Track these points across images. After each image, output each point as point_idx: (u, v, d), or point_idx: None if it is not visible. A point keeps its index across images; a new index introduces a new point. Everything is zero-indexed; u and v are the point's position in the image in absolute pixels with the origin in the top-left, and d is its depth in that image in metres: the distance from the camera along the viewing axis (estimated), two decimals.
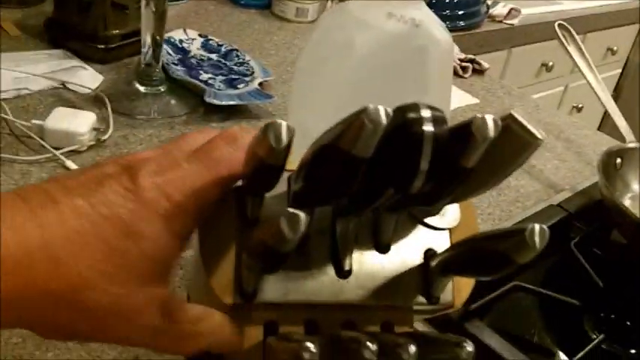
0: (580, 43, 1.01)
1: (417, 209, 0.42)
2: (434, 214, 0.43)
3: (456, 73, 1.21)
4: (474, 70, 1.23)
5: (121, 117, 0.87)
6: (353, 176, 0.31)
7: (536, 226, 0.31)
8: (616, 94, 2.41)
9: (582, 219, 0.85)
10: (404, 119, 0.29)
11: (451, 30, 1.40)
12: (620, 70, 2.39)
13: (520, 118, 0.32)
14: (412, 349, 0.33)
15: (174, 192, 0.32)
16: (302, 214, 0.27)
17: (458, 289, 0.42)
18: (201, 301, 0.48)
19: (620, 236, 0.82)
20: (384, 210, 0.40)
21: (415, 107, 0.29)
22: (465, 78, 1.21)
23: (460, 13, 1.47)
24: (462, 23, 1.47)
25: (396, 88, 0.67)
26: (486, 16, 1.59)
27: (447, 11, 1.45)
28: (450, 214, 0.43)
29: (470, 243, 0.37)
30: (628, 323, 0.69)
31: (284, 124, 0.28)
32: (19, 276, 0.27)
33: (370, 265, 0.41)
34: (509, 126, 0.32)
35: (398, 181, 0.31)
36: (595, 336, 0.66)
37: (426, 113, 0.29)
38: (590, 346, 0.63)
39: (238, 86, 0.95)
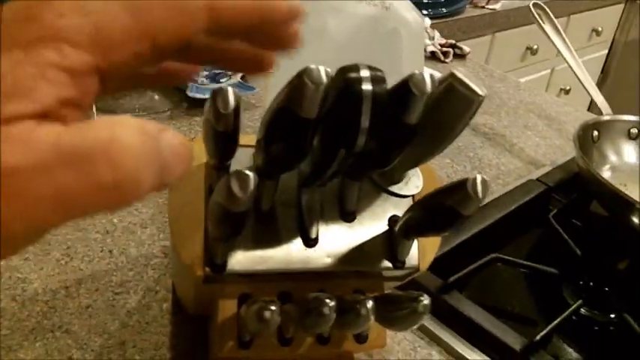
0: (555, 21, 1.02)
1: (380, 178, 0.44)
2: (397, 182, 0.45)
3: (437, 58, 1.22)
4: (456, 55, 1.25)
5: (105, 115, 0.88)
6: (305, 137, 0.32)
7: (477, 177, 0.33)
8: (603, 75, 2.42)
9: (561, 192, 0.87)
10: (344, 79, 0.31)
11: (433, 17, 1.43)
12: (606, 51, 2.41)
13: (461, 76, 0.34)
14: (369, 304, 0.35)
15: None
16: (250, 173, 0.29)
17: (423, 253, 0.44)
18: (181, 281, 0.50)
19: (599, 207, 0.83)
20: (346, 178, 0.42)
21: (355, 68, 0.31)
22: (447, 63, 1.23)
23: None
24: (444, 10, 1.49)
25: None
26: (468, 2, 1.61)
27: None
28: (413, 181, 0.45)
29: (422, 202, 0.38)
30: (606, 289, 0.71)
31: (230, 89, 0.30)
32: None
33: (336, 233, 0.43)
34: (452, 84, 0.34)
35: (344, 140, 0.33)
36: (574, 303, 0.68)
37: (365, 73, 0.31)
38: (568, 311, 0.64)
39: (221, 80, 0.97)
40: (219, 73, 1.00)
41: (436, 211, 0.37)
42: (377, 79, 0.31)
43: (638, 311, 0.66)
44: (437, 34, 1.26)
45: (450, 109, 0.35)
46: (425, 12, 1.44)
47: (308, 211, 0.41)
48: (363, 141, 0.32)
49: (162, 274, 0.63)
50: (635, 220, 0.74)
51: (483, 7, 1.65)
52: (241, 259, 0.40)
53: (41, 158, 0.20)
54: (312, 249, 0.42)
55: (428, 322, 0.62)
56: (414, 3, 1.44)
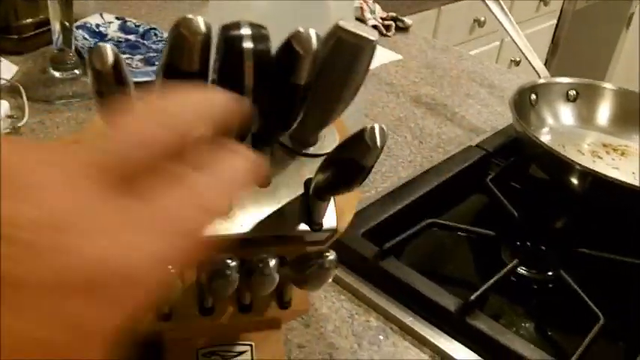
0: None
1: (294, 142, 0.44)
2: (312, 144, 0.44)
3: (379, 32, 1.22)
4: (398, 29, 1.25)
5: (38, 104, 0.87)
6: None
7: (375, 125, 0.32)
8: (554, 45, 2.45)
9: (501, 157, 0.87)
10: (225, 38, 0.30)
11: None
12: (555, 21, 2.43)
13: (348, 26, 0.33)
14: (272, 262, 0.35)
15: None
16: (108, 45, 0.28)
17: (340, 214, 0.44)
18: None
19: (538, 170, 0.84)
20: (256, 143, 0.41)
21: (236, 25, 0.30)
22: (389, 36, 1.23)
23: None
24: None
25: (299, 21, 0.69)
26: None
27: None
28: (328, 140, 0.44)
29: (327, 160, 0.38)
30: (543, 248, 0.71)
31: (108, 45, 0.29)
32: None
33: (251, 200, 0.42)
34: (340, 37, 0.33)
35: None
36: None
37: (246, 30, 0.30)
38: (504, 271, 0.64)
39: (156, 63, 0.95)
40: (155, 55, 0.98)
41: (339, 166, 0.36)
42: (259, 37, 0.30)
43: (575, 268, 0.67)
44: (378, 8, 1.25)
45: (343, 61, 0.35)
46: None
47: None
48: (249, 100, 0.32)
49: None
50: (573, 180, 0.75)
51: None
52: None
53: None
54: (226, 216, 0.41)
55: (365, 289, 0.62)
56: None
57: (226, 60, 0.30)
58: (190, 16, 0.28)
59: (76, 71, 0.90)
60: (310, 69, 0.32)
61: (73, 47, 0.90)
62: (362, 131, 0.33)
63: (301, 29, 0.31)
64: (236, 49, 0.30)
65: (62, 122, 0.83)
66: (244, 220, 0.42)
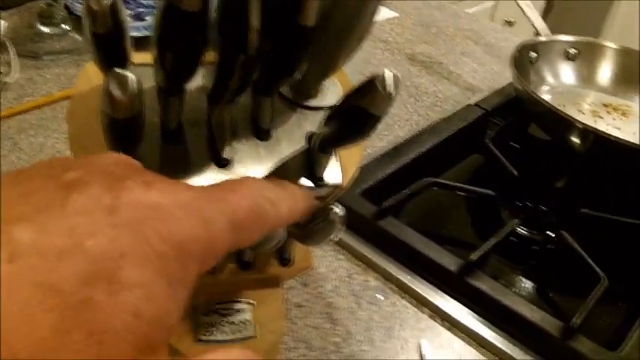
0: None
1: (295, 94, 0.42)
2: (314, 97, 0.42)
3: None
4: None
5: (26, 60, 0.84)
6: (194, 35, 0.30)
7: (386, 72, 0.30)
8: (548, 3, 2.42)
9: (500, 116, 0.86)
10: None
11: None
12: None
13: None
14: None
15: (176, 221, 0.22)
16: (130, 73, 0.26)
17: (344, 169, 0.42)
18: None
19: (537, 130, 0.83)
20: (256, 94, 0.39)
21: None
22: None
23: None
24: None
25: None
26: None
27: None
28: (330, 92, 0.43)
29: (334, 110, 0.36)
30: (543, 208, 0.70)
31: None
32: None
33: (251, 153, 0.40)
34: None
35: (237, 41, 0.30)
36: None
37: None
38: (504, 231, 0.63)
39: (145, 18, 0.92)
40: (144, 11, 0.95)
41: (347, 116, 0.34)
42: None
43: (575, 228, 0.66)
44: None
45: (350, 5, 0.33)
46: None
47: (218, 129, 0.39)
48: (255, 42, 0.30)
49: None
50: (574, 138, 0.74)
51: None
52: None
53: None
54: (226, 170, 0.40)
55: (364, 248, 0.61)
56: None
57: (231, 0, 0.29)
58: None
59: (65, 26, 0.88)
60: (318, 9, 0.30)
61: (62, 2, 0.87)
62: (373, 78, 0.31)
63: None
64: None
65: (51, 78, 0.81)
66: (243, 173, 0.40)
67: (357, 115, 0.33)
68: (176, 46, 0.31)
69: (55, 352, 0.18)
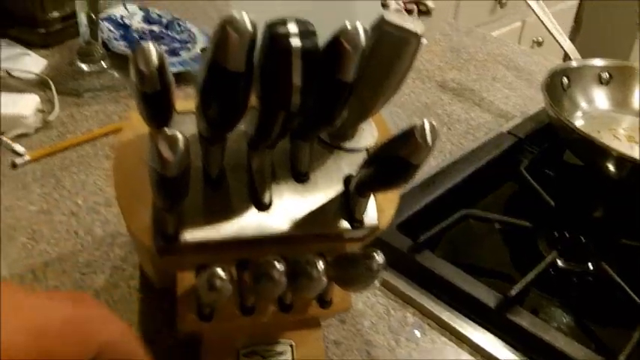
0: None
1: (332, 136, 0.43)
2: (350, 138, 0.43)
3: None
4: (420, 12, 1.23)
5: (67, 97, 0.86)
6: (237, 92, 0.31)
7: (425, 123, 0.31)
8: (576, 25, 2.40)
9: (533, 143, 0.85)
10: (271, 35, 0.29)
11: None
12: (577, 1, 2.39)
13: (393, 19, 0.32)
14: (320, 265, 0.34)
15: None
16: (179, 133, 0.27)
17: (381, 210, 0.43)
18: (142, 256, 0.48)
19: (572, 156, 0.82)
20: (295, 139, 0.40)
21: (282, 22, 0.29)
22: None
23: None
24: None
25: (324, 17, 0.67)
26: None
27: None
28: (366, 134, 0.43)
29: (373, 156, 0.37)
30: (582, 238, 0.70)
31: (151, 45, 0.28)
32: None
33: (290, 196, 0.41)
34: (384, 30, 0.32)
35: (279, 100, 0.31)
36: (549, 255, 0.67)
37: (292, 27, 0.29)
38: (543, 264, 0.63)
39: (180, 53, 0.94)
40: (179, 46, 0.97)
41: (386, 164, 0.35)
42: (306, 34, 0.29)
43: (615, 259, 0.65)
44: None
45: (387, 55, 0.34)
46: None
47: (258, 174, 0.40)
48: (297, 100, 0.30)
49: (129, 251, 0.62)
50: (610, 166, 0.74)
51: None
52: (193, 229, 0.39)
53: None
54: (266, 214, 0.40)
55: (400, 283, 0.61)
56: None
57: (273, 58, 0.29)
58: (236, 14, 0.27)
59: (103, 64, 0.90)
60: (358, 66, 0.30)
61: (100, 40, 0.89)
62: (412, 128, 0.31)
63: (349, 25, 0.30)
64: (284, 47, 0.29)
65: (91, 115, 0.83)
66: (285, 216, 0.41)
67: (396, 164, 0.34)
68: (219, 101, 0.32)
69: None
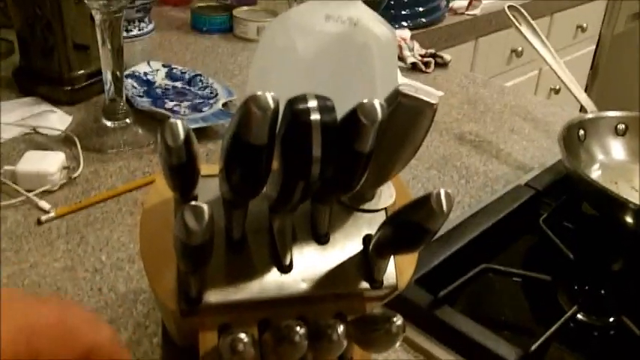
0: (532, 22, 1.02)
1: (351, 197, 0.44)
2: (368, 199, 0.44)
3: (418, 69, 1.22)
4: (437, 64, 1.25)
5: (91, 153, 0.89)
6: (259, 164, 0.32)
7: (441, 191, 0.32)
8: (593, 71, 2.42)
9: (551, 195, 0.86)
10: (292, 111, 0.31)
11: (413, 28, 1.44)
12: (594, 47, 2.41)
13: (408, 91, 0.33)
14: (340, 329, 0.34)
15: None
16: (205, 205, 0.29)
17: (400, 271, 0.44)
18: (165, 315, 0.49)
19: (591, 208, 0.83)
20: (315, 203, 0.41)
21: (303, 98, 0.31)
22: (429, 73, 1.23)
23: (420, 10, 1.49)
24: (423, 20, 1.49)
25: (344, 87, 0.69)
26: (447, 9, 1.61)
27: (407, 10, 1.47)
28: (385, 195, 0.44)
29: (390, 220, 0.38)
30: (602, 292, 0.70)
31: (179, 121, 0.30)
32: None
33: (311, 257, 0.42)
34: (400, 102, 0.34)
35: (299, 171, 0.32)
36: (570, 309, 0.67)
37: (312, 103, 0.30)
38: (563, 318, 0.63)
39: (203, 109, 0.97)
40: (201, 102, 1.00)
41: (403, 229, 0.36)
42: (325, 109, 0.31)
43: (637, 313, 0.65)
44: (416, 45, 1.26)
45: (403, 124, 0.35)
46: (404, 23, 1.44)
47: (280, 237, 0.41)
48: (317, 171, 0.32)
49: (152, 308, 0.63)
50: (628, 219, 0.74)
51: (463, 14, 1.65)
52: (216, 291, 0.40)
53: None
54: (287, 275, 0.41)
55: (420, 338, 0.61)
56: (394, 15, 1.45)
57: (294, 132, 0.31)
58: (259, 93, 0.28)
59: (127, 120, 0.92)
60: (374, 138, 0.32)
61: (124, 96, 0.92)
62: (428, 196, 0.33)
63: (366, 100, 0.31)
64: (304, 121, 0.30)
65: (115, 171, 0.85)
66: (304, 276, 0.42)
67: (412, 229, 0.34)
68: (242, 170, 0.33)
69: None
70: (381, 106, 0.31)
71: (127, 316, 0.62)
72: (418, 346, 0.61)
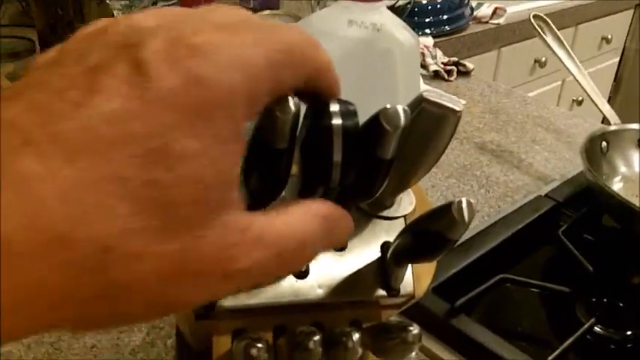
0: (557, 31, 1.01)
1: (371, 204, 0.44)
2: (387, 206, 0.44)
3: (441, 77, 1.22)
4: (460, 73, 1.24)
5: None
6: (279, 167, 0.32)
7: (463, 200, 0.32)
8: (617, 83, 2.40)
9: (571, 207, 0.85)
10: (314, 112, 0.30)
11: (437, 35, 1.43)
12: (618, 59, 2.39)
13: (432, 97, 0.33)
14: (356, 336, 0.34)
15: (210, 69, 0.21)
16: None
17: (418, 279, 0.43)
18: (179, 318, 0.49)
19: (611, 220, 0.82)
20: None
21: (325, 102, 0.30)
22: (451, 81, 1.22)
23: (444, 17, 1.48)
24: (447, 28, 1.48)
25: (366, 92, 0.68)
26: (471, 18, 1.60)
27: (431, 17, 1.46)
28: (404, 202, 0.44)
29: (409, 228, 0.37)
30: (620, 305, 0.69)
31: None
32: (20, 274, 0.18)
33: (327, 263, 0.42)
34: (424, 108, 0.33)
35: (319, 176, 0.32)
36: (587, 321, 0.66)
37: (334, 107, 0.30)
38: (581, 331, 0.62)
39: None
40: None
41: (423, 237, 0.36)
42: (347, 113, 0.30)
43: None
44: (439, 53, 1.25)
45: (426, 131, 0.34)
46: (428, 31, 1.44)
47: None
48: (337, 176, 0.31)
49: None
50: None
51: (487, 23, 1.64)
52: (231, 295, 0.40)
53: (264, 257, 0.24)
54: (303, 281, 0.41)
55: (437, 347, 0.61)
56: (417, 22, 1.44)
57: (315, 136, 0.30)
58: (389, 106, 0.28)
59: None
60: (397, 144, 0.31)
61: None
62: (449, 205, 0.32)
63: (389, 105, 0.30)
64: (325, 125, 0.30)
65: None
66: (320, 283, 0.42)
67: (432, 238, 0.34)
68: (261, 175, 0.33)
69: (137, 234, 0.19)
70: (405, 111, 0.30)
71: None
72: (434, 355, 0.60)
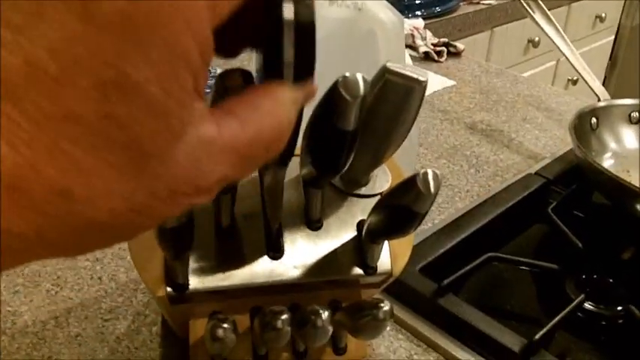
0: (546, 9, 1.00)
1: (345, 182, 0.43)
2: (365, 184, 0.43)
3: (431, 58, 1.21)
4: (450, 54, 1.23)
5: None
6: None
7: (428, 171, 0.31)
8: (612, 62, 2.38)
9: (562, 184, 0.84)
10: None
11: (427, 17, 1.42)
12: (612, 37, 2.37)
13: (396, 68, 0.32)
14: (325, 315, 0.34)
15: None
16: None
17: (395, 257, 0.43)
18: (159, 305, 0.49)
19: (601, 196, 0.81)
20: (307, 187, 0.40)
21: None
22: (441, 62, 1.21)
23: None
24: (437, 9, 1.47)
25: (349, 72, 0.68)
26: None
27: None
28: (380, 180, 0.43)
29: (380, 204, 0.37)
30: (610, 281, 0.68)
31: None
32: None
33: (303, 243, 0.41)
34: (388, 79, 0.32)
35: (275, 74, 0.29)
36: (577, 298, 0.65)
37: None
38: (570, 307, 0.61)
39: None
40: (207, 91, 0.99)
41: (392, 212, 0.35)
42: (302, 9, 0.28)
43: None
44: (429, 34, 1.24)
45: (392, 103, 0.34)
46: (418, 12, 1.42)
47: (273, 220, 0.40)
48: (291, 75, 0.29)
49: (152, 297, 0.63)
50: (639, 207, 0.72)
51: (478, 3, 1.63)
52: (204, 277, 0.39)
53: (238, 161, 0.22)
54: (278, 261, 0.40)
55: (424, 327, 0.60)
56: (407, 4, 1.43)
57: (268, 31, 0.28)
58: (348, 74, 0.27)
59: None
60: (358, 115, 0.30)
61: None
62: (414, 177, 0.31)
63: (348, 74, 0.29)
64: (277, 17, 0.28)
65: None
66: (296, 263, 0.41)
67: (401, 212, 0.33)
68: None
69: (96, 174, 0.18)
70: (364, 80, 0.29)
71: (127, 305, 0.62)
72: (421, 335, 0.60)
